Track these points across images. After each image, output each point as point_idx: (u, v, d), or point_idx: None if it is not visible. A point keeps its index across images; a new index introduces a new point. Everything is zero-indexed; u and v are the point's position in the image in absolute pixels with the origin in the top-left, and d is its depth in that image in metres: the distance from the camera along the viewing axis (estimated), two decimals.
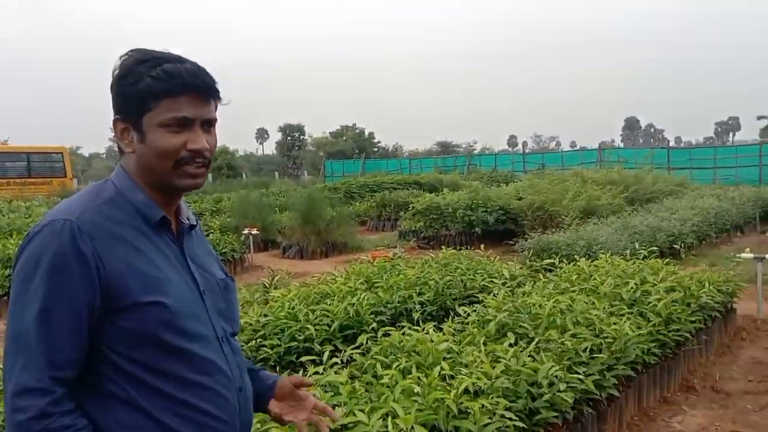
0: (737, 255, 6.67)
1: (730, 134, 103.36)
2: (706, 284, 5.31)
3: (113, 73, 1.33)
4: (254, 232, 11.26)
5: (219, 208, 15.87)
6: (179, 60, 1.33)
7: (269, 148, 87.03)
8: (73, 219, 1.24)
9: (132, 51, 1.33)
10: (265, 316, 4.44)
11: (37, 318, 1.20)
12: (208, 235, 1.43)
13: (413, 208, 13.17)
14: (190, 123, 1.32)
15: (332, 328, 4.29)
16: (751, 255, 6.37)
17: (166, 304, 1.27)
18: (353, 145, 50.24)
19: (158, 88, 1.28)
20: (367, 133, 54.41)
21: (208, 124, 1.36)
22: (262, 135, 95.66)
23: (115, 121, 1.34)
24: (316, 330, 4.20)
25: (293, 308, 4.58)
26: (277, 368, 3.77)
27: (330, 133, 54.46)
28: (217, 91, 1.37)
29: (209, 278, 1.44)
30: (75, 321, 1.22)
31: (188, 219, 1.46)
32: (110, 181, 1.37)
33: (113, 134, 1.35)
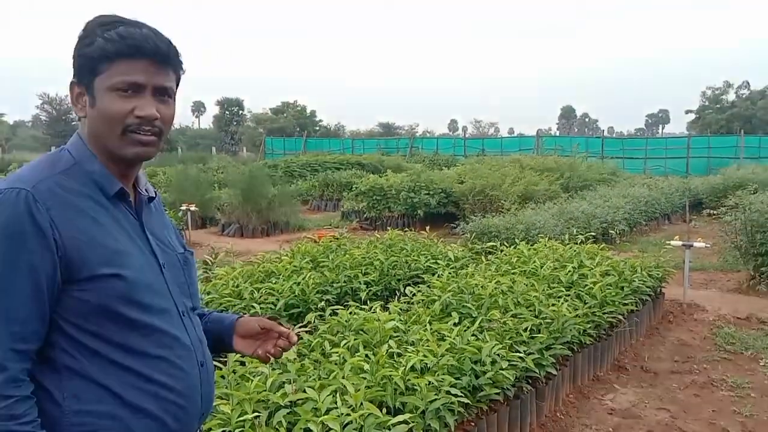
0: (667, 242, 6.99)
1: (660, 126, 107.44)
2: (639, 269, 5.56)
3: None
4: (192, 208, 10.99)
5: (154, 183, 15.44)
6: (136, 24, 1.28)
7: (206, 122, 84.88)
8: (28, 188, 1.18)
9: (99, 15, 1.29)
10: (209, 293, 4.37)
11: None
12: None
13: (356, 188, 13.17)
14: (141, 89, 1.27)
15: (277, 307, 4.27)
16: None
17: (124, 276, 1.24)
18: (294, 122, 49.52)
19: (110, 50, 1.24)
20: (308, 111, 53.70)
21: (162, 93, 1.31)
22: (198, 108, 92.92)
23: (71, 85, 1.30)
24: (261, 308, 4.17)
25: (237, 286, 4.53)
26: None
27: (270, 109, 53.40)
28: (176, 59, 1.32)
29: (169, 252, 1.41)
30: (34, 290, 1.17)
31: (147, 191, 1.42)
32: (66, 150, 1.31)
33: (70, 98, 1.33)
